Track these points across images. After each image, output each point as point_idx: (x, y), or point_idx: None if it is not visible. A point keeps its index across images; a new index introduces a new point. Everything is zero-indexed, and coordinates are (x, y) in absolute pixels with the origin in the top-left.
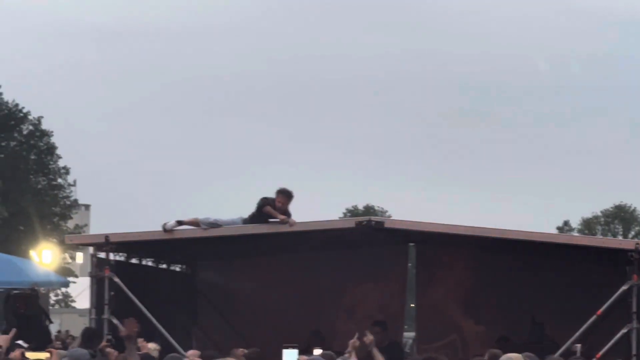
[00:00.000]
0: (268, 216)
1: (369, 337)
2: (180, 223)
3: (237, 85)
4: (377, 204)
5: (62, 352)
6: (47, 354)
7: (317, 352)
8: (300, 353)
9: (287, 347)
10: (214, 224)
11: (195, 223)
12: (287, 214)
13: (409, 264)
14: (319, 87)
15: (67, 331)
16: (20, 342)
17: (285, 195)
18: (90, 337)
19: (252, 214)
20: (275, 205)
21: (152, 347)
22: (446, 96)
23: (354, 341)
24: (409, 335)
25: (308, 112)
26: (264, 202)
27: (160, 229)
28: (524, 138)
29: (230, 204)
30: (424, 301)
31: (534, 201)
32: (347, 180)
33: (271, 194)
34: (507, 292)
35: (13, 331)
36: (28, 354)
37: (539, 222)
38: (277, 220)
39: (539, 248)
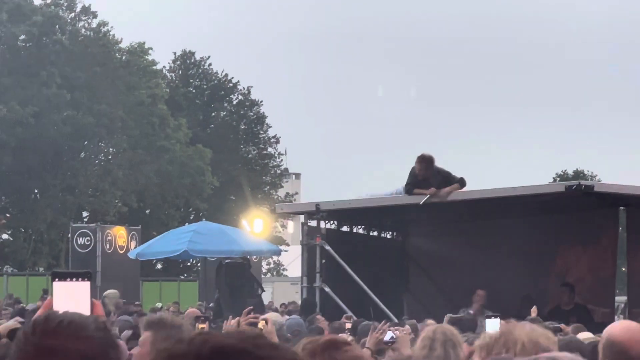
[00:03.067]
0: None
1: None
2: None
3: (447, 48)
4: (587, 168)
5: (280, 319)
6: (263, 322)
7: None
8: (512, 317)
9: (489, 317)
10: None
11: None
12: (430, 180)
13: (620, 228)
14: (527, 47)
15: (283, 304)
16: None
17: (423, 161)
18: (306, 307)
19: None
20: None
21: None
22: None
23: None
24: (620, 299)
25: (522, 75)
26: (411, 177)
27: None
28: None
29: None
30: (636, 265)
31: None
32: (558, 145)
33: (482, 163)
34: None
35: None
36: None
37: None
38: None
39: None
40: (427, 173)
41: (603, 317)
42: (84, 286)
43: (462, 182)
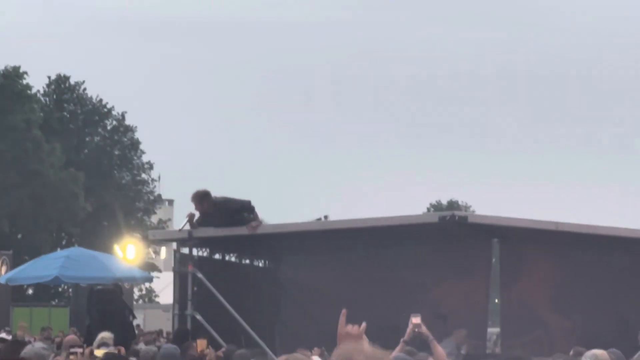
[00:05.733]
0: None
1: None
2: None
3: (326, 79)
4: (461, 199)
5: (153, 348)
6: (116, 352)
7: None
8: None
9: None
10: None
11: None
12: (212, 213)
13: (493, 260)
14: (407, 81)
15: (161, 331)
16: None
17: (193, 200)
18: (179, 335)
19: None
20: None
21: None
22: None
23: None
24: (493, 330)
25: (393, 106)
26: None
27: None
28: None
29: (314, 201)
30: (509, 297)
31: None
32: (432, 175)
33: (356, 192)
34: (594, 288)
35: None
36: (97, 352)
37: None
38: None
39: (626, 244)
40: (203, 208)
41: (476, 349)
42: None
43: (246, 208)
